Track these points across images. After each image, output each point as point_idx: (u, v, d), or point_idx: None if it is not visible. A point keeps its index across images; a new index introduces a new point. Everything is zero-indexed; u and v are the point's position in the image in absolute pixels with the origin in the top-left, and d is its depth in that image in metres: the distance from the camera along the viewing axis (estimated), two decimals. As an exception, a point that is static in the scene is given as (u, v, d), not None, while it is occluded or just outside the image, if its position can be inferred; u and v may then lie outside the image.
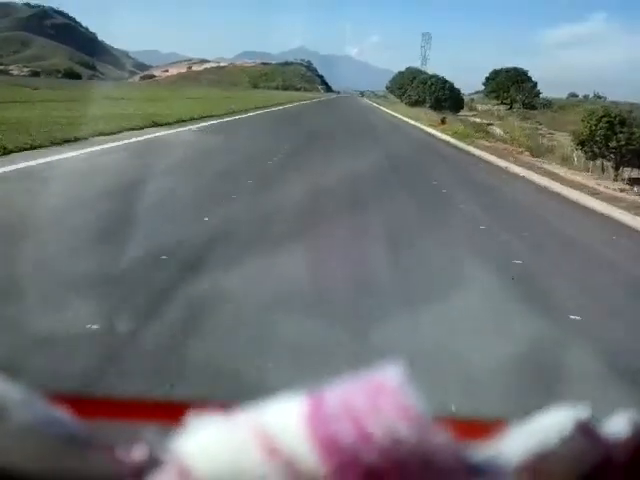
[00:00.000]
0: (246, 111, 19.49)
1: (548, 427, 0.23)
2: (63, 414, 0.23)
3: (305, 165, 7.20)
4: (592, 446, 0.23)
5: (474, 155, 10.91)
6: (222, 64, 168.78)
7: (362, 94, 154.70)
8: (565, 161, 14.60)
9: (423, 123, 20.57)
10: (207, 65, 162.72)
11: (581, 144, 16.36)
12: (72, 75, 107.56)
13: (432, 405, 0.21)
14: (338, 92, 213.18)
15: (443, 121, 20.64)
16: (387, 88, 75.64)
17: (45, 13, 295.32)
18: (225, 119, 14.81)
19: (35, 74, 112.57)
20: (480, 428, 0.28)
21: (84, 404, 0.34)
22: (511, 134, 20.52)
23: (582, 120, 16.76)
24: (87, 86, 36.63)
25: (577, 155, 16.55)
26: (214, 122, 13.45)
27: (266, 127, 14.23)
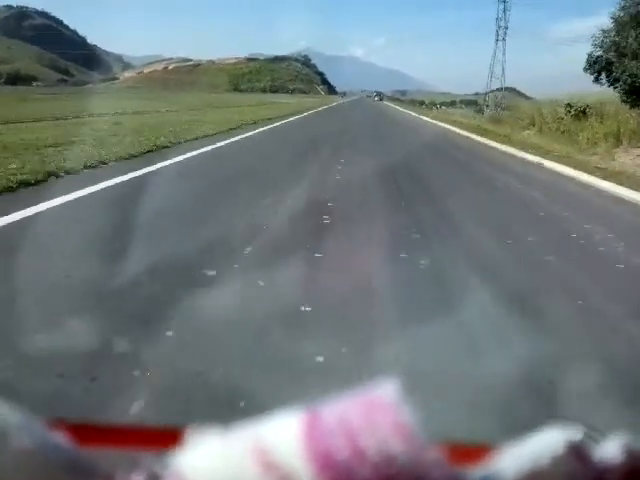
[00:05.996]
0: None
1: (540, 449, 0.23)
2: (63, 440, 0.22)
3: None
4: (583, 469, 0.23)
5: None
6: (203, 62, 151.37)
7: (379, 96, 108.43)
8: None
9: None
10: (180, 64, 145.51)
11: None
12: (16, 79, 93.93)
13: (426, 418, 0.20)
14: (344, 93, 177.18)
15: None
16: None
17: (24, 15, 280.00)
18: None
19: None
20: (472, 452, 0.27)
21: (84, 430, 0.33)
22: None
23: None
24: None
25: None
26: None
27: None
